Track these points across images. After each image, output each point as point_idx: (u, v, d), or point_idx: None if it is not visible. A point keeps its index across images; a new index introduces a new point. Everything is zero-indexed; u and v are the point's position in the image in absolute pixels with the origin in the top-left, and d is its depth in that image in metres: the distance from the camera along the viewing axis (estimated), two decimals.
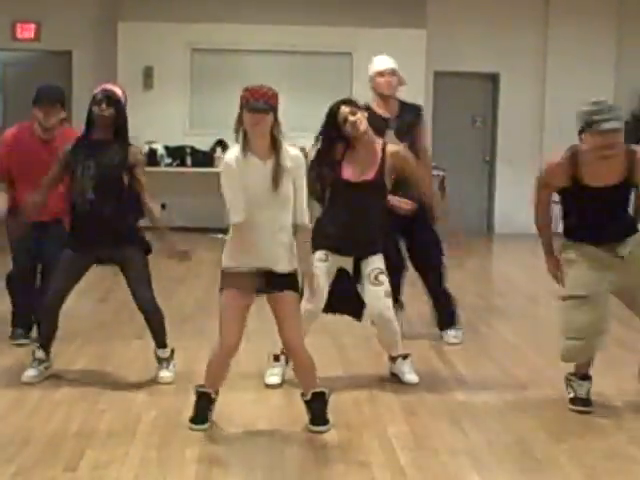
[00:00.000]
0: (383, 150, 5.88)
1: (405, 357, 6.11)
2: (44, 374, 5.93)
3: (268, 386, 5.86)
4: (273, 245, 4.92)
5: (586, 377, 5.65)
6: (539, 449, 4.93)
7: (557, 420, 5.44)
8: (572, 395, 5.64)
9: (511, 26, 14.76)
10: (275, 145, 4.87)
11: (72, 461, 4.54)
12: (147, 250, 5.99)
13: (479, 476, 4.57)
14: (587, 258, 5.51)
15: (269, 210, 4.88)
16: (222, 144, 13.70)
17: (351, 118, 5.72)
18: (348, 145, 5.85)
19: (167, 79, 14.21)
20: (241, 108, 4.83)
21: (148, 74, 14.20)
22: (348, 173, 5.83)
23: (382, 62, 7.04)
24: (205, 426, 5.06)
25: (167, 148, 13.98)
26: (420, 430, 5.17)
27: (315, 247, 5.67)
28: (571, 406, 5.59)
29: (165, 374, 6.00)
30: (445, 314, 7.23)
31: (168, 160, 13.98)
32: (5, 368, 6.22)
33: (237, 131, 4.88)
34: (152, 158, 13.67)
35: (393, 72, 6.99)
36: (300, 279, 5.18)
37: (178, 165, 13.98)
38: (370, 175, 5.83)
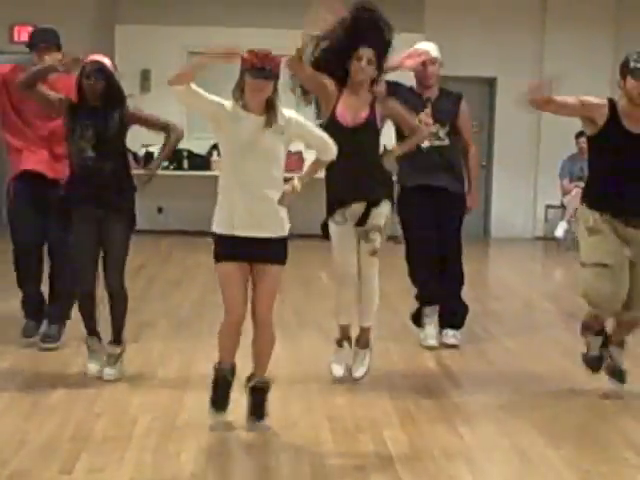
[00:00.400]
0: (373, 97, 5.95)
1: (365, 345, 6.16)
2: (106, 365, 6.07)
3: (335, 380, 6.02)
4: (260, 205, 4.88)
5: (600, 332, 5.92)
6: (535, 453, 4.93)
7: (553, 424, 5.44)
8: (584, 351, 6.01)
9: (508, 31, 14.78)
10: (270, 106, 4.89)
11: (68, 464, 4.53)
12: (132, 225, 5.98)
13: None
14: (609, 227, 5.62)
15: (256, 164, 4.87)
16: (219, 148, 13.74)
17: (360, 63, 5.83)
18: (343, 85, 5.92)
19: (164, 82, 14.07)
20: (242, 71, 4.84)
21: (145, 77, 14.21)
22: (343, 116, 5.89)
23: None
24: (224, 414, 5.14)
25: None
26: (416, 434, 5.17)
27: (329, 207, 5.94)
28: (583, 362, 6.02)
29: (111, 371, 6.00)
30: (451, 313, 7.23)
31: (165, 163, 13.98)
32: (1, 370, 6.21)
33: (235, 95, 4.90)
34: (149, 161, 13.65)
35: (435, 61, 7.02)
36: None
37: (175, 168, 13.98)
38: (362, 117, 5.89)
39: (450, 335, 7.17)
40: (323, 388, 5.93)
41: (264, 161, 4.89)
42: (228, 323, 4.96)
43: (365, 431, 5.18)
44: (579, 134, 13.50)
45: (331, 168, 5.59)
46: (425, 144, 6.81)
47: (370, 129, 5.93)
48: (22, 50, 14.67)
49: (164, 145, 6.24)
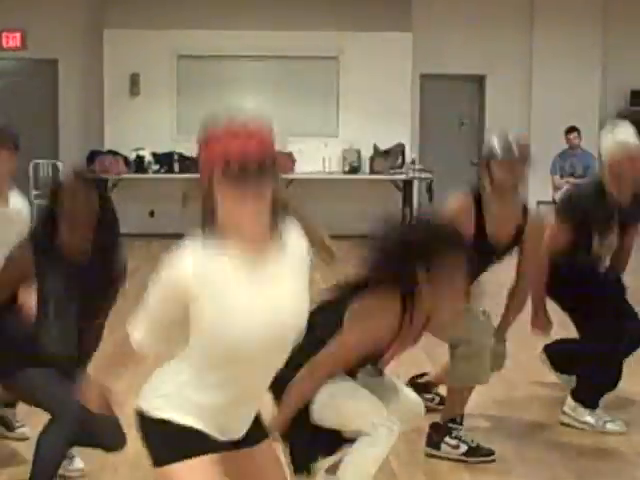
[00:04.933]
0: None
1: None
2: None
3: None
4: (258, 401, 2.90)
5: None
6: (530, 448, 4.95)
7: (555, 426, 5.44)
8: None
9: (496, 28, 14.80)
10: (276, 230, 2.69)
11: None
12: None
13: (470, 476, 4.58)
14: None
15: (269, 352, 2.69)
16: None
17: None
18: None
19: (153, 86, 14.21)
20: (208, 173, 2.72)
21: (134, 81, 14.20)
22: None
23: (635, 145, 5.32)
24: None
25: (154, 155, 13.98)
26: (411, 432, 5.16)
27: None
28: None
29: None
30: None
31: (155, 167, 13.99)
32: None
33: (204, 220, 2.68)
34: (139, 165, 13.68)
35: None
36: None
37: (166, 172, 13.97)
38: None
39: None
40: None
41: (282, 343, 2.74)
42: None
43: None
44: (569, 130, 13.55)
45: None
46: None
47: None
48: (10, 56, 14.74)
49: None
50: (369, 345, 3.60)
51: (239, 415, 2.78)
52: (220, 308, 2.56)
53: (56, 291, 3.98)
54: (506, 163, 4.97)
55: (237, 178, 2.53)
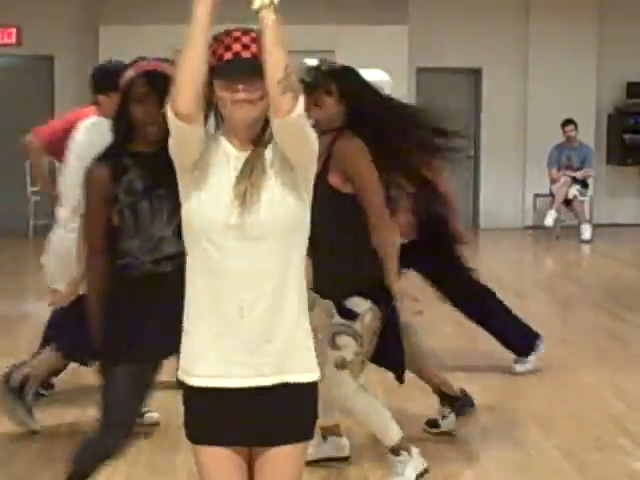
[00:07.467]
0: (331, 144, 4.36)
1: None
2: None
3: None
4: (272, 324, 2.53)
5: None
6: (530, 442, 4.96)
7: (548, 413, 5.48)
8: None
9: (492, 20, 14.80)
10: (265, 130, 2.62)
11: (63, 467, 4.53)
12: None
13: (470, 470, 4.60)
14: None
15: (259, 248, 2.54)
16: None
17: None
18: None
19: None
20: (210, 77, 2.65)
21: None
22: (334, 178, 4.29)
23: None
24: None
25: None
26: (409, 423, 5.17)
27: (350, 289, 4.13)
28: None
29: None
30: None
31: None
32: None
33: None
34: None
35: None
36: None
37: None
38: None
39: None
40: None
41: (278, 235, 2.56)
42: None
43: (362, 428, 5.17)
44: (565, 123, 13.56)
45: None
46: None
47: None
48: (5, 52, 14.71)
49: None
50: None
51: (248, 327, 2.50)
52: (205, 181, 2.55)
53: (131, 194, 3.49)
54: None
55: (232, 74, 2.60)
